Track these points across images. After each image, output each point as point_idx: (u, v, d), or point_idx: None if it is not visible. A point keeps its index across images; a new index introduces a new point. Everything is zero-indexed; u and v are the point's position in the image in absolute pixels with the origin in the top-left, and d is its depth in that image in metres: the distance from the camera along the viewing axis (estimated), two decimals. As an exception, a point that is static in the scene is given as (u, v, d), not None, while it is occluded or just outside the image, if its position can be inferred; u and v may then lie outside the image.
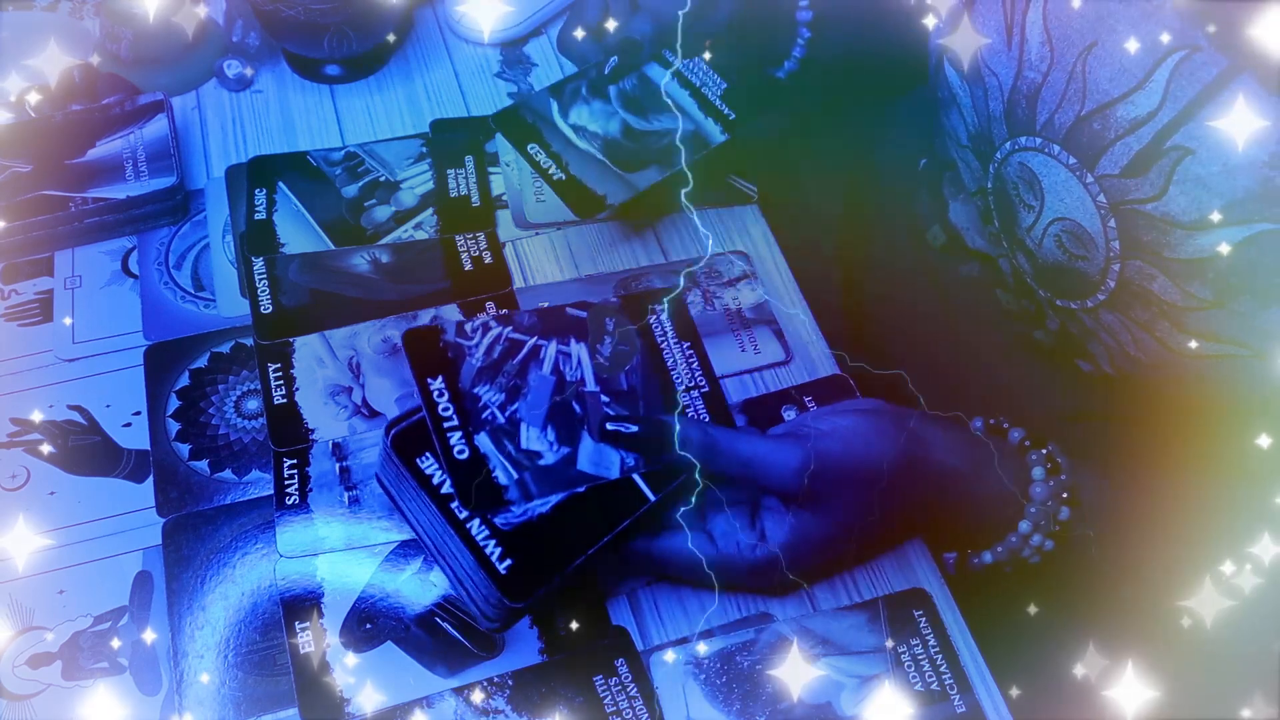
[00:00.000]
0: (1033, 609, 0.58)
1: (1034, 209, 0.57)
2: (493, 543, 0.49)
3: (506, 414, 0.53)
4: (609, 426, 0.51)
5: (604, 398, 0.55)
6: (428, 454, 0.51)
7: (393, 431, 0.52)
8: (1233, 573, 0.53)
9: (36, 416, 0.60)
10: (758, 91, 0.73)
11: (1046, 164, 0.55)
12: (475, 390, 0.53)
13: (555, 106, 0.67)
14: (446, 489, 0.50)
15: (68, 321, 0.65)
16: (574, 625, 0.53)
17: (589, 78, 0.68)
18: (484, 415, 0.53)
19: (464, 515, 0.50)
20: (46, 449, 0.60)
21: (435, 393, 0.53)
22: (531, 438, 0.53)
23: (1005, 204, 0.60)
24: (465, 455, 0.51)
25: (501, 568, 0.48)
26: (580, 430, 0.53)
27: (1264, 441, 0.53)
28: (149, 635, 0.53)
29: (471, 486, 0.50)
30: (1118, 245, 0.53)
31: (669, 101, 0.68)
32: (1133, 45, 0.49)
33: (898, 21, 0.66)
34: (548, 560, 0.49)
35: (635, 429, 0.51)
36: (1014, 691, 0.54)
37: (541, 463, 0.52)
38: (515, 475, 0.51)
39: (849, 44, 0.72)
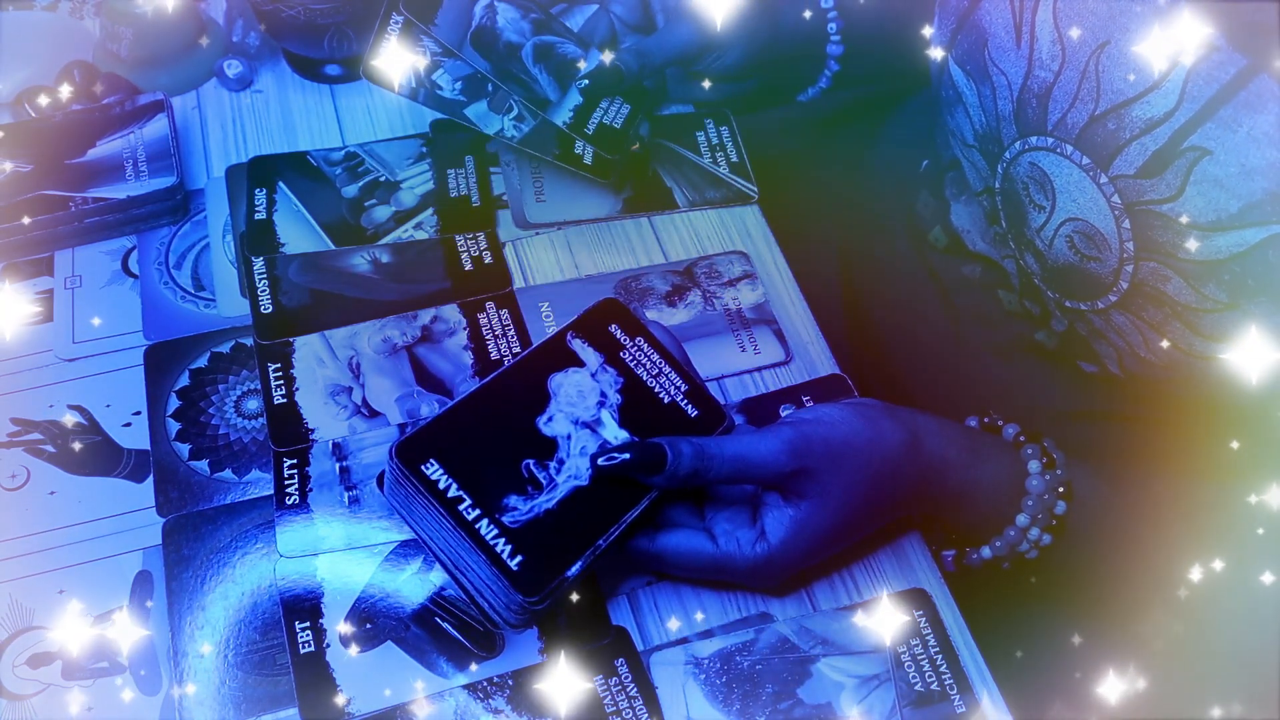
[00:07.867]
0: (1033, 580, 0.57)
1: (1045, 209, 0.57)
2: (502, 540, 0.49)
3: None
4: (601, 462, 0.51)
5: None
6: (432, 460, 0.51)
7: (395, 441, 0.52)
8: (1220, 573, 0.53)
9: (41, 417, 0.61)
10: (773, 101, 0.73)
11: (1059, 164, 0.55)
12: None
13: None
14: (453, 493, 0.50)
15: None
16: (574, 625, 0.53)
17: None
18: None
19: (472, 516, 0.49)
20: (47, 449, 0.60)
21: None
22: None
23: (1014, 204, 0.60)
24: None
25: (513, 564, 0.48)
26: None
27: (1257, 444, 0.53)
28: (148, 632, 0.54)
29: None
30: (1132, 246, 0.52)
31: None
32: (1147, 45, 0.49)
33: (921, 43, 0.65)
34: (559, 553, 0.49)
35: (626, 457, 0.51)
36: (1014, 691, 0.54)
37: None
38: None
39: (877, 71, 0.72)
